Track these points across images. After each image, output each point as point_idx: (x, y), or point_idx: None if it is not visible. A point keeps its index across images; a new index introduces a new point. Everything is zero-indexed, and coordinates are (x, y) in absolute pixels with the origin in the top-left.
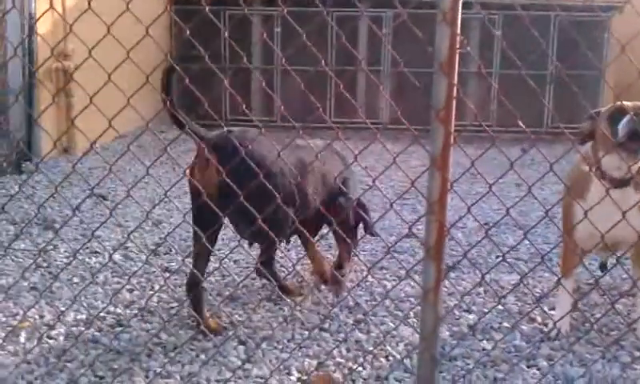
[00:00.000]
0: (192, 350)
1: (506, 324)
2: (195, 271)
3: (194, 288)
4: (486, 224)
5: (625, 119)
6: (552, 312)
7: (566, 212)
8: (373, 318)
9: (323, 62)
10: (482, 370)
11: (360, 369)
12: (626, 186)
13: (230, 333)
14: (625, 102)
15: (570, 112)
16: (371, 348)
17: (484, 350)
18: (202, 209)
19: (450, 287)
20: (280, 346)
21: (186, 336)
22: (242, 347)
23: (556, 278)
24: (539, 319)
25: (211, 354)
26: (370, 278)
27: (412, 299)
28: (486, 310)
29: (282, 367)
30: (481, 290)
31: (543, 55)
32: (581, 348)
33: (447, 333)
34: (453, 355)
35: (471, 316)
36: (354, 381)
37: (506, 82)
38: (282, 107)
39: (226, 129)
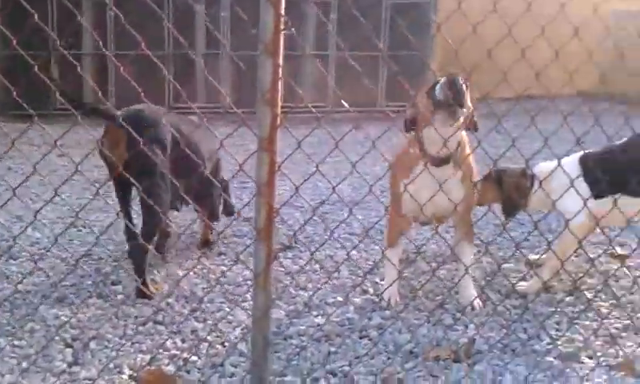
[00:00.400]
0: (12, 357)
1: (340, 298)
2: (127, 223)
3: (132, 239)
4: (321, 203)
5: (441, 81)
6: (382, 283)
7: (393, 189)
8: (209, 305)
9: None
10: (316, 345)
11: (195, 358)
12: (446, 164)
13: (55, 336)
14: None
15: (402, 91)
16: (207, 336)
17: (318, 325)
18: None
19: (288, 266)
20: (111, 345)
21: (5, 343)
22: (68, 350)
23: (386, 250)
24: (371, 290)
25: (33, 360)
26: (207, 264)
27: (250, 282)
28: (320, 287)
29: (112, 366)
30: (317, 266)
31: (376, 37)
32: (409, 314)
33: (283, 312)
34: (288, 334)
35: (307, 293)
36: (188, 371)
37: (343, 64)
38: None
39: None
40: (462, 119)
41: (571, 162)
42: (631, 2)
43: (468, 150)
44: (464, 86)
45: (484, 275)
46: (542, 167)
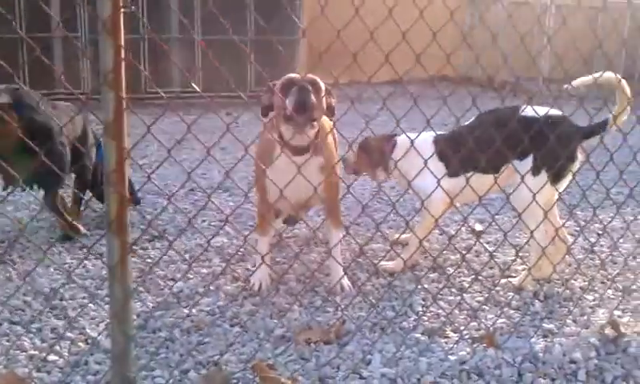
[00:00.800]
0: None
1: (211, 287)
2: None
3: None
4: (191, 190)
5: (292, 90)
6: (253, 269)
7: (257, 177)
8: (70, 301)
9: None
10: (185, 336)
11: (55, 357)
12: (306, 152)
13: None
14: (293, 75)
15: (271, 75)
16: (68, 333)
17: (188, 316)
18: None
19: (156, 257)
20: None
21: None
22: None
23: (256, 237)
24: (243, 278)
25: None
26: (68, 260)
27: None
28: (191, 276)
29: None
30: (187, 256)
31: (244, 21)
32: (280, 299)
33: (151, 305)
34: (156, 326)
35: (177, 284)
36: (49, 372)
37: (211, 49)
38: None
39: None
40: (314, 127)
41: (425, 142)
42: None
43: (329, 137)
44: (313, 101)
45: (352, 256)
46: (403, 141)
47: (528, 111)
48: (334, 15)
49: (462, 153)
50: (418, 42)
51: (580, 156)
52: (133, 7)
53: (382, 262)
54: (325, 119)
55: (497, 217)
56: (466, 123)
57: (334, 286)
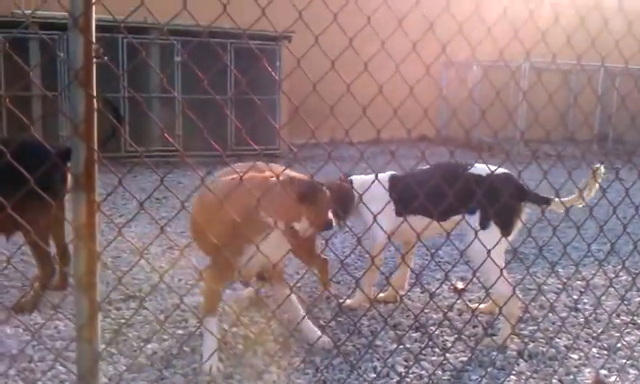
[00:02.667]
0: None
1: (186, 349)
2: None
3: None
4: (169, 248)
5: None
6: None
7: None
8: (40, 363)
9: None
10: None
11: None
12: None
13: None
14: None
15: (251, 133)
16: None
17: (162, 379)
18: None
19: (129, 317)
20: None
21: None
22: None
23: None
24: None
25: None
26: (39, 319)
27: None
28: (166, 337)
29: None
30: (162, 316)
31: (224, 80)
32: (258, 360)
33: (124, 366)
34: None
35: (150, 345)
36: None
37: (190, 107)
38: None
39: None
40: None
41: (382, 180)
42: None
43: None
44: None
45: (332, 315)
46: (358, 180)
47: (476, 168)
48: (315, 75)
49: (411, 195)
50: (397, 101)
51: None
52: (106, 57)
53: (347, 301)
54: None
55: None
56: (422, 168)
57: (316, 341)
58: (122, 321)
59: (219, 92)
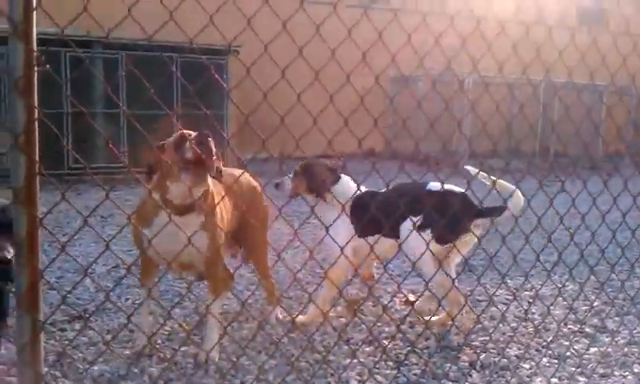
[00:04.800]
0: None
1: (135, 370)
2: None
3: None
4: (115, 267)
5: (191, 137)
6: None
7: (135, 237)
8: None
9: None
10: None
11: None
12: (190, 213)
13: None
14: (187, 131)
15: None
16: None
17: None
18: None
19: (75, 339)
20: None
21: None
22: None
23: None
24: (169, 356)
25: None
26: None
27: None
28: (113, 359)
29: None
30: (108, 336)
31: (171, 95)
32: (210, 380)
33: None
34: None
35: (96, 367)
36: None
37: (136, 122)
38: None
39: None
40: (209, 177)
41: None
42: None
43: (217, 199)
44: (213, 145)
45: (285, 331)
46: (347, 180)
47: (431, 186)
48: (263, 87)
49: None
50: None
51: (478, 230)
52: (48, 66)
53: (299, 317)
54: (214, 183)
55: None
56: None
57: (207, 355)
58: (66, 342)
59: (166, 106)
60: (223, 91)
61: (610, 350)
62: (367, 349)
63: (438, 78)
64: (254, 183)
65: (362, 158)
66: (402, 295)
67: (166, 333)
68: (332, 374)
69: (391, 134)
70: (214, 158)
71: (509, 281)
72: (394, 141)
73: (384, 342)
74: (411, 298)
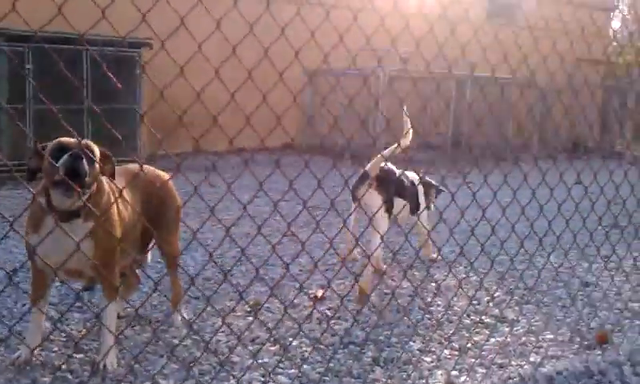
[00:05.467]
0: None
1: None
2: None
3: None
4: (14, 271)
5: (64, 157)
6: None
7: (26, 243)
8: None
9: None
10: None
11: None
12: (76, 218)
13: None
14: (66, 139)
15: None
16: None
17: None
18: None
19: None
20: None
21: None
22: None
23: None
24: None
25: None
26: None
27: None
28: None
29: None
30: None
31: (80, 90)
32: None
33: None
34: None
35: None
36: None
37: (43, 117)
38: None
39: None
40: (84, 194)
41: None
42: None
43: (110, 200)
44: (84, 168)
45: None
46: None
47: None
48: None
49: None
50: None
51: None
52: None
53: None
54: (107, 183)
55: (338, 281)
56: None
57: (100, 360)
58: None
59: (75, 102)
60: (136, 85)
61: (509, 339)
62: (272, 348)
63: (346, 72)
64: (163, 175)
65: (277, 151)
66: (311, 291)
67: (63, 340)
68: (235, 376)
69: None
70: (89, 175)
71: (415, 273)
72: (307, 136)
73: (289, 340)
74: (319, 293)
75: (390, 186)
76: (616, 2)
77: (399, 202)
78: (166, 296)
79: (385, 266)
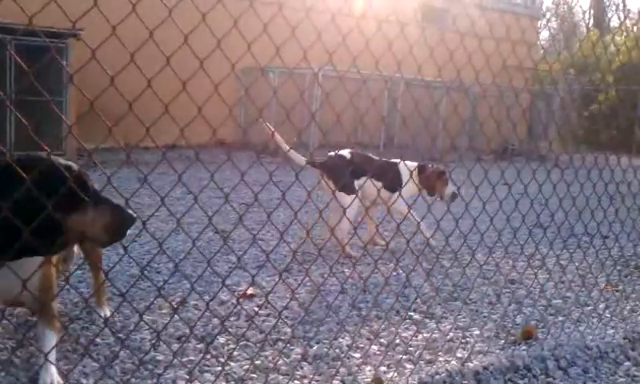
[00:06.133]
0: None
1: None
2: None
3: None
4: None
5: None
6: None
7: None
8: None
9: None
10: None
11: None
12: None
13: None
14: None
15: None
16: None
17: None
18: None
19: None
20: None
21: None
22: None
23: None
24: None
25: None
26: None
27: None
28: None
29: None
30: None
31: (4, 79)
32: None
33: None
34: None
35: None
36: None
37: None
38: None
39: None
40: None
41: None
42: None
43: None
44: None
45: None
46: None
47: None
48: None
49: None
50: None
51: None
52: None
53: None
54: None
55: (268, 278)
56: None
57: None
58: None
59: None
60: (63, 76)
61: (436, 335)
62: (198, 346)
63: (293, 70)
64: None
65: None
66: (240, 289)
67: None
68: (160, 374)
69: (244, 125)
70: None
71: (345, 270)
72: (247, 132)
73: (217, 338)
74: (249, 291)
75: (341, 171)
76: (543, 12)
77: (371, 184)
78: (81, 294)
79: (354, 254)
